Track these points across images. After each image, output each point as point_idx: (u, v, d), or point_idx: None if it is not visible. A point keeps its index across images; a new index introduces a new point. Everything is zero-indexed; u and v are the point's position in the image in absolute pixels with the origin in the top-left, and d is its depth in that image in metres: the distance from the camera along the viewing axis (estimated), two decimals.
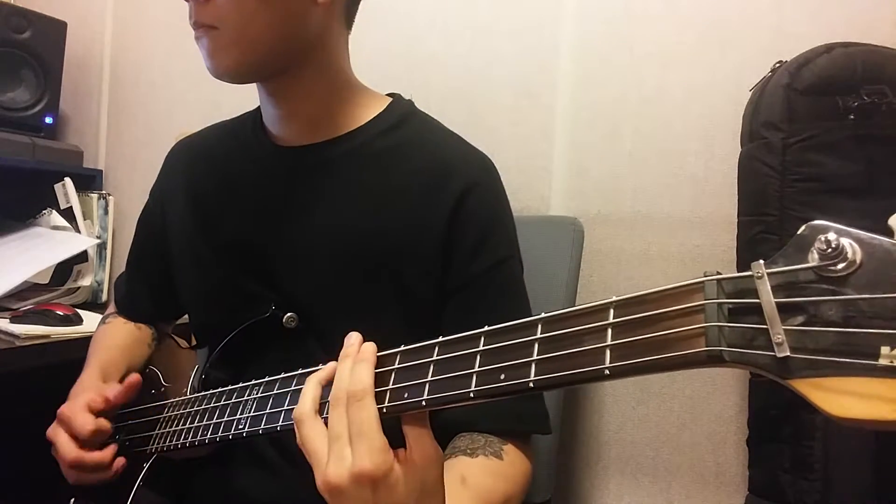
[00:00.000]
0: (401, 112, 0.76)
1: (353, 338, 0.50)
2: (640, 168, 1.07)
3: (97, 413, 0.71)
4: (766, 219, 0.84)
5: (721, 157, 1.00)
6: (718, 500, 1.01)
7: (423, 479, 0.45)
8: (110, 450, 0.71)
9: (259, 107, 0.78)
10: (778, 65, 0.88)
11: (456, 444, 0.66)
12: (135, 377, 0.75)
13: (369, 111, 0.74)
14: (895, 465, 0.76)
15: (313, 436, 0.46)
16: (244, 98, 0.81)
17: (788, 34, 0.95)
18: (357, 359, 0.48)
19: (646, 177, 1.06)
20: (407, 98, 0.79)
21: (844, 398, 0.28)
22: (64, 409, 0.71)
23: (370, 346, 0.49)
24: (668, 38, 1.04)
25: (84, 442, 0.69)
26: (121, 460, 0.71)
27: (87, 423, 0.68)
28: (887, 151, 0.78)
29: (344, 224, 0.70)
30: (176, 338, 0.89)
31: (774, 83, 0.85)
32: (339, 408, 0.46)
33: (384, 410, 0.45)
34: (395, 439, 0.45)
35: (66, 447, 0.69)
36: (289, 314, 0.70)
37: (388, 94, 0.79)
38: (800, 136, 0.82)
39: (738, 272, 0.33)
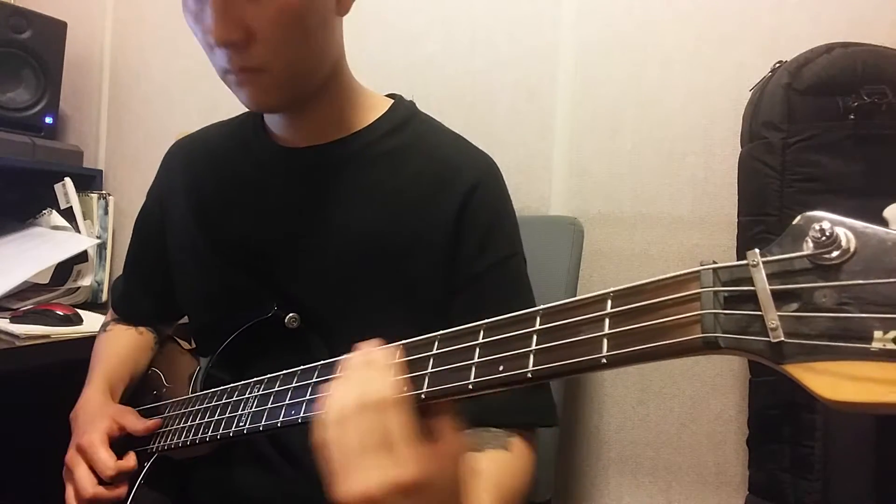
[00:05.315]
0: (404, 114, 0.76)
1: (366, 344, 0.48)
2: (640, 168, 1.07)
3: (116, 441, 0.71)
4: (766, 219, 0.84)
5: (721, 157, 1.00)
6: (718, 500, 1.01)
7: (453, 473, 0.44)
8: (124, 487, 0.69)
9: None
10: (778, 65, 0.88)
11: None
12: (157, 423, 0.73)
13: (372, 113, 0.74)
14: (895, 465, 0.76)
15: (343, 441, 0.43)
16: None
17: (788, 34, 0.95)
18: (376, 365, 0.45)
19: (646, 177, 1.06)
20: (408, 99, 0.79)
21: (838, 381, 0.28)
22: (83, 442, 0.69)
23: (384, 352, 0.46)
24: (668, 38, 1.04)
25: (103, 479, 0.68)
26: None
27: (108, 465, 0.67)
28: (887, 151, 0.78)
29: (348, 225, 0.70)
30: (178, 340, 0.88)
31: (774, 83, 0.85)
32: (366, 415, 0.42)
33: (422, 396, 0.44)
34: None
35: (84, 481, 0.68)
36: (291, 314, 0.69)
37: (389, 95, 0.79)
38: (800, 136, 0.82)
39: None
